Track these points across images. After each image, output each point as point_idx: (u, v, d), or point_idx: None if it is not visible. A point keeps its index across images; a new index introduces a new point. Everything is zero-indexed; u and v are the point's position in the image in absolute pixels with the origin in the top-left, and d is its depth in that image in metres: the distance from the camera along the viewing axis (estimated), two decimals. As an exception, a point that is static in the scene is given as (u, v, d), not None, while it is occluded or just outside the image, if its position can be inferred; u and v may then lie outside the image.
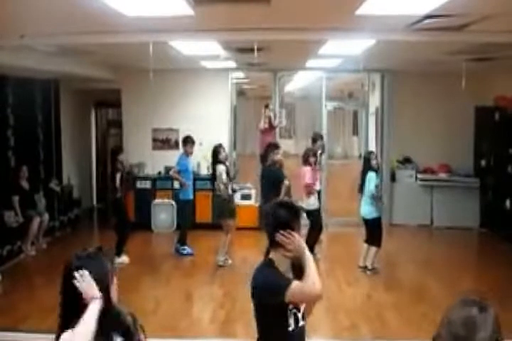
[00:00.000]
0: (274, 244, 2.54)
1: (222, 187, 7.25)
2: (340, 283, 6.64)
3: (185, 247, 7.77)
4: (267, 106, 9.90)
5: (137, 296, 5.90)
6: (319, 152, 7.64)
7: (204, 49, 6.60)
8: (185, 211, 8.07)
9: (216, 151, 7.36)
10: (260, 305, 2.56)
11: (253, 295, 2.57)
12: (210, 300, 6.25)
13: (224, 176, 7.26)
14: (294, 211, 2.58)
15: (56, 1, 3.77)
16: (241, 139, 11.75)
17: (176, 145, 9.66)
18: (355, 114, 14.28)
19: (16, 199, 7.51)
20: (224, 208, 7.35)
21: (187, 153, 7.85)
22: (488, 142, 9.23)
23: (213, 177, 7.39)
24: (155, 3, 3.89)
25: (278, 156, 7.02)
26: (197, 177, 8.93)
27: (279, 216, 2.53)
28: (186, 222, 8.08)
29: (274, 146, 7.26)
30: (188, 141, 7.82)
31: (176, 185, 8.64)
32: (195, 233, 8.09)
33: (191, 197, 8.06)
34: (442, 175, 9.57)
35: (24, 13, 4.15)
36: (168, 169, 9.38)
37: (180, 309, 5.81)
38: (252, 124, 12.07)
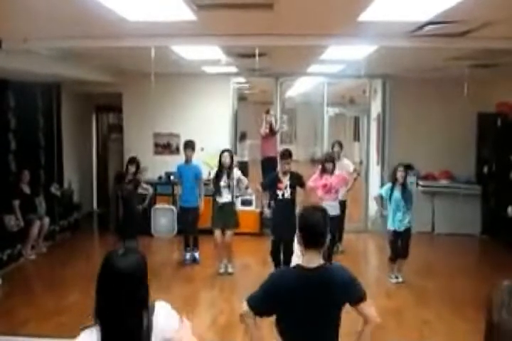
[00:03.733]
0: None
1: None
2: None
3: (186, 253, 7.78)
4: (267, 112, 9.91)
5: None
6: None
7: (206, 54, 6.61)
8: (186, 218, 7.94)
9: (232, 156, 7.23)
10: (343, 303, 2.74)
11: (336, 294, 2.69)
12: (210, 305, 6.23)
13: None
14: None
15: (59, 5, 3.77)
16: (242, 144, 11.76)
17: (177, 150, 9.66)
18: (357, 120, 14.29)
19: (16, 203, 7.50)
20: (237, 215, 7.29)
21: (186, 159, 7.65)
22: (490, 148, 9.22)
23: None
24: (157, 8, 3.89)
25: (281, 167, 6.64)
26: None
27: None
28: (184, 229, 8.05)
29: (279, 155, 6.93)
30: (187, 145, 7.61)
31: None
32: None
33: (193, 204, 7.55)
34: (444, 182, 9.54)
35: (27, 17, 4.16)
36: (168, 174, 9.39)
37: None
38: (253, 129, 12.08)
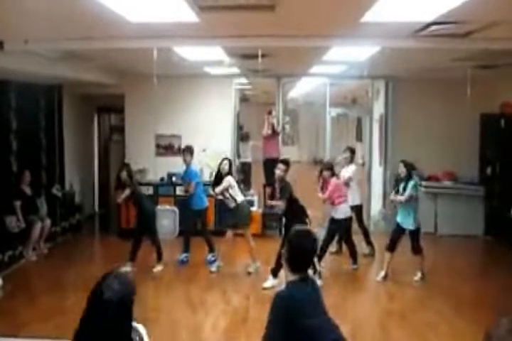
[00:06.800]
0: None
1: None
2: (342, 291, 6.59)
3: (182, 254, 7.81)
4: (270, 113, 9.88)
5: (138, 303, 5.84)
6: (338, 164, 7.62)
7: (208, 55, 6.59)
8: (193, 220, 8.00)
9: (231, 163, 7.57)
10: None
11: None
12: (212, 306, 6.21)
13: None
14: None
15: (60, 6, 3.76)
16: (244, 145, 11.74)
17: (179, 152, 9.64)
18: (359, 121, 14.26)
19: (17, 204, 7.49)
20: (250, 215, 7.50)
21: (185, 163, 7.79)
22: (493, 149, 9.19)
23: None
24: (160, 9, 3.88)
25: (277, 172, 6.79)
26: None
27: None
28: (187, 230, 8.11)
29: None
30: (184, 149, 7.84)
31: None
32: (198, 239, 8.01)
33: (196, 207, 7.76)
34: (447, 183, 9.51)
35: (28, 18, 4.15)
36: (170, 175, 9.38)
37: (181, 316, 5.77)
38: (255, 130, 12.06)
